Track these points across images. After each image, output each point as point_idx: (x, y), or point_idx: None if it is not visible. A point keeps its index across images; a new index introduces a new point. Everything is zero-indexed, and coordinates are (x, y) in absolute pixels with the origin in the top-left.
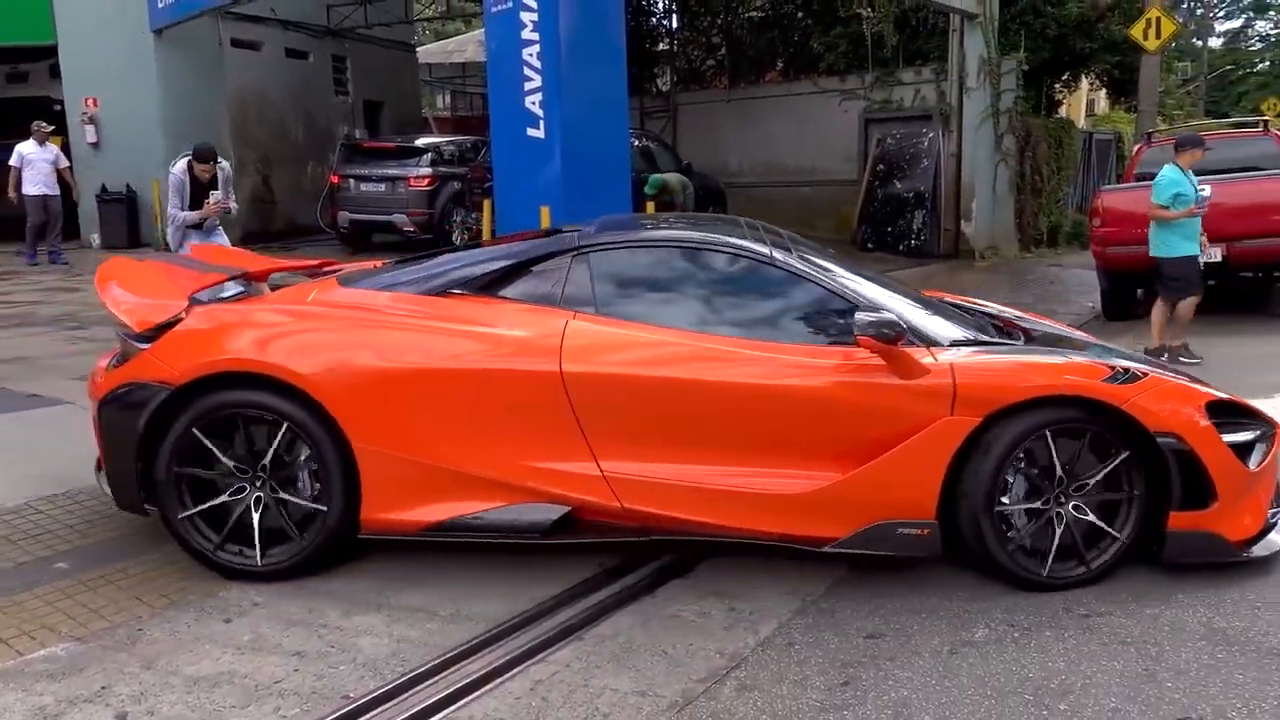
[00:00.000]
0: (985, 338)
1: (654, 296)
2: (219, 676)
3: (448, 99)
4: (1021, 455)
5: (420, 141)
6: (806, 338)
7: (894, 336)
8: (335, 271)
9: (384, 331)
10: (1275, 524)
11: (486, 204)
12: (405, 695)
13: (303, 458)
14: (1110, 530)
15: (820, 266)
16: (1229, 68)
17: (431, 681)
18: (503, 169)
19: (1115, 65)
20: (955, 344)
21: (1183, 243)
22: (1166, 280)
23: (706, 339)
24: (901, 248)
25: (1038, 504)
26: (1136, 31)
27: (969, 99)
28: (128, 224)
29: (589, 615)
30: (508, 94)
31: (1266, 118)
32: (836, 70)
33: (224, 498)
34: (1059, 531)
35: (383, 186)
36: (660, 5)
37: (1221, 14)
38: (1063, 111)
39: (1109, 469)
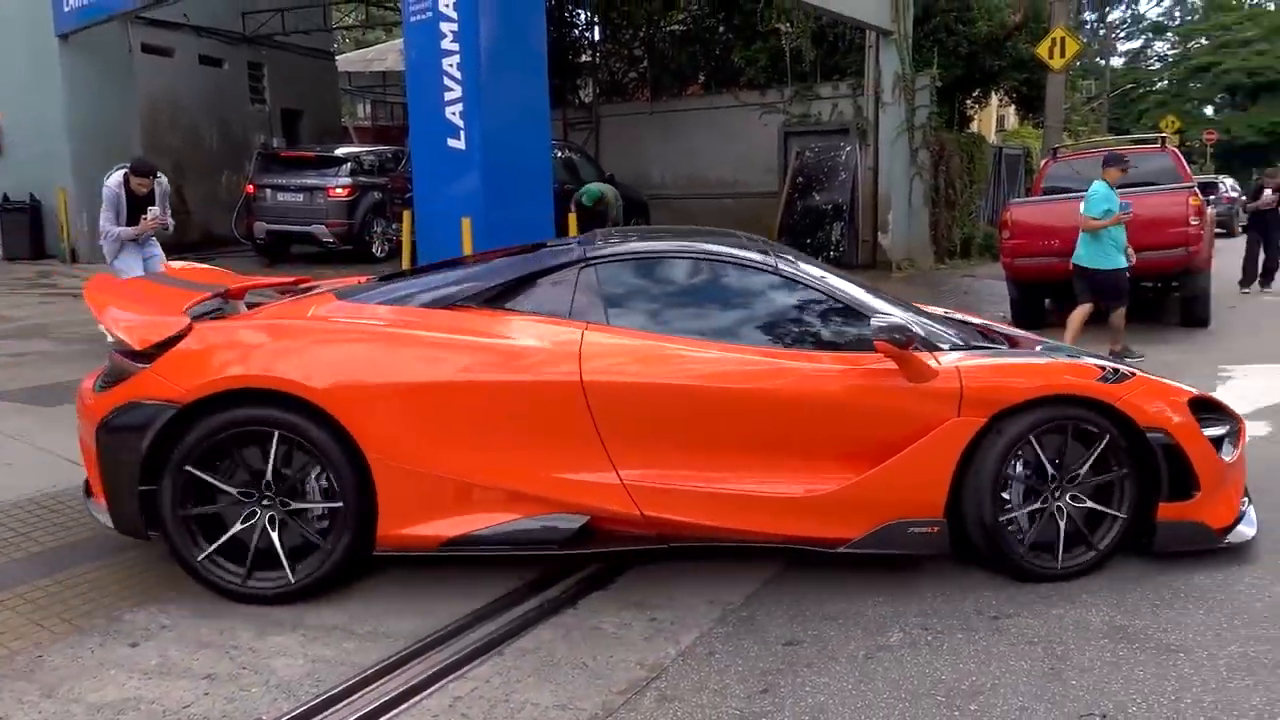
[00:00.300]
0: (979, 343)
1: (662, 307)
2: (124, 703)
3: (368, 108)
4: (1020, 453)
5: (340, 151)
6: (815, 345)
7: (906, 341)
8: (313, 288)
9: (398, 344)
10: (1245, 514)
11: (406, 215)
12: (320, 716)
13: (314, 475)
14: (1110, 510)
15: (819, 277)
16: (1130, 86)
17: (347, 701)
18: (423, 180)
19: (1023, 82)
20: (955, 348)
21: (1113, 254)
22: (1097, 290)
23: (718, 348)
24: (820, 259)
25: (1039, 500)
26: (1042, 50)
27: (885, 114)
28: (30, 234)
29: (510, 629)
30: (428, 104)
31: (1164, 134)
32: (757, 84)
33: (239, 525)
34: (1063, 523)
35: (301, 196)
36: (583, 17)
37: (1123, 35)
38: (974, 127)
39: (1097, 454)
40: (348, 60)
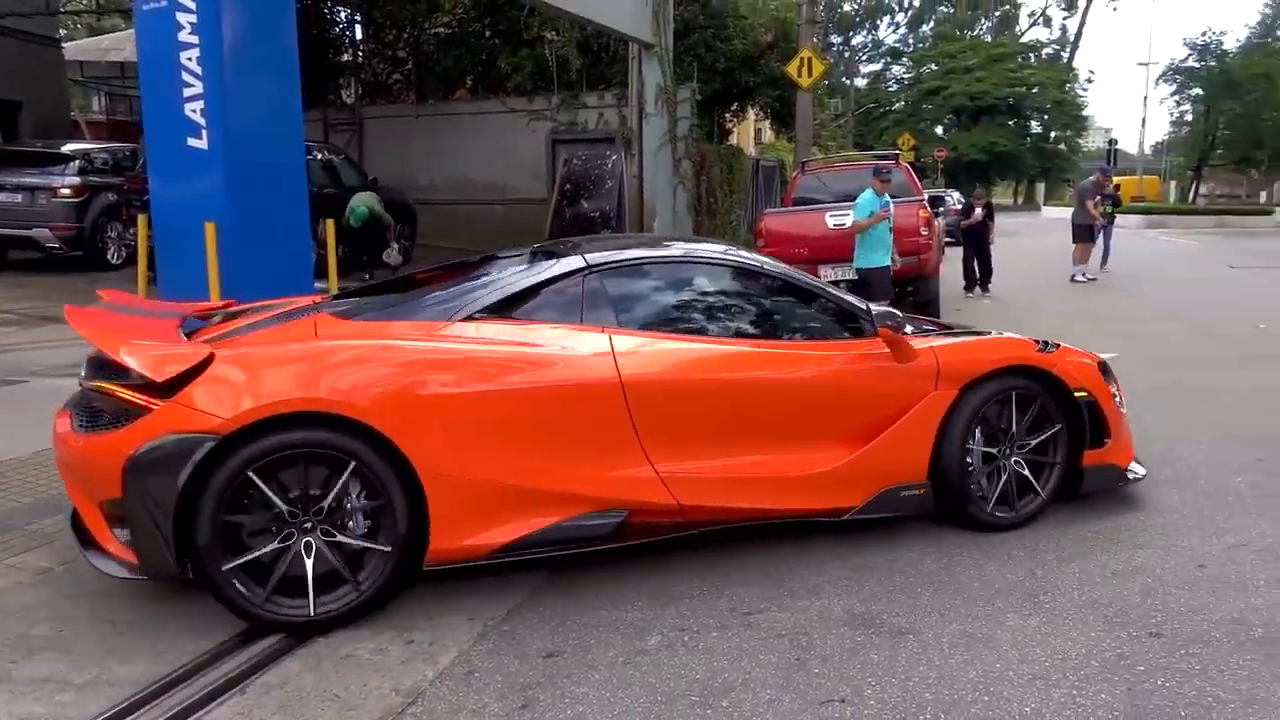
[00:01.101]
0: (935, 327)
1: (667, 309)
2: None
3: (104, 101)
4: (984, 417)
5: (67, 148)
6: (811, 335)
7: (899, 326)
8: (267, 308)
9: (439, 358)
10: (1135, 455)
11: (142, 219)
12: None
13: (356, 495)
14: (1050, 460)
15: (800, 275)
16: (873, 105)
17: None
18: (160, 181)
19: (776, 99)
20: (918, 333)
21: (880, 254)
22: (867, 287)
23: (730, 343)
24: None
25: (995, 458)
26: (792, 69)
27: (648, 124)
28: None
29: (254, 664)
30: (164, 100)
31: (898, 151)
32: (524, 91)
33: (273, 544)
34: (1008, 476)
35: (19, 196)
36: (343, 15)
37: (865, 58)
38: (734, 139)
39: (1038, 413)
40: (80, 48)
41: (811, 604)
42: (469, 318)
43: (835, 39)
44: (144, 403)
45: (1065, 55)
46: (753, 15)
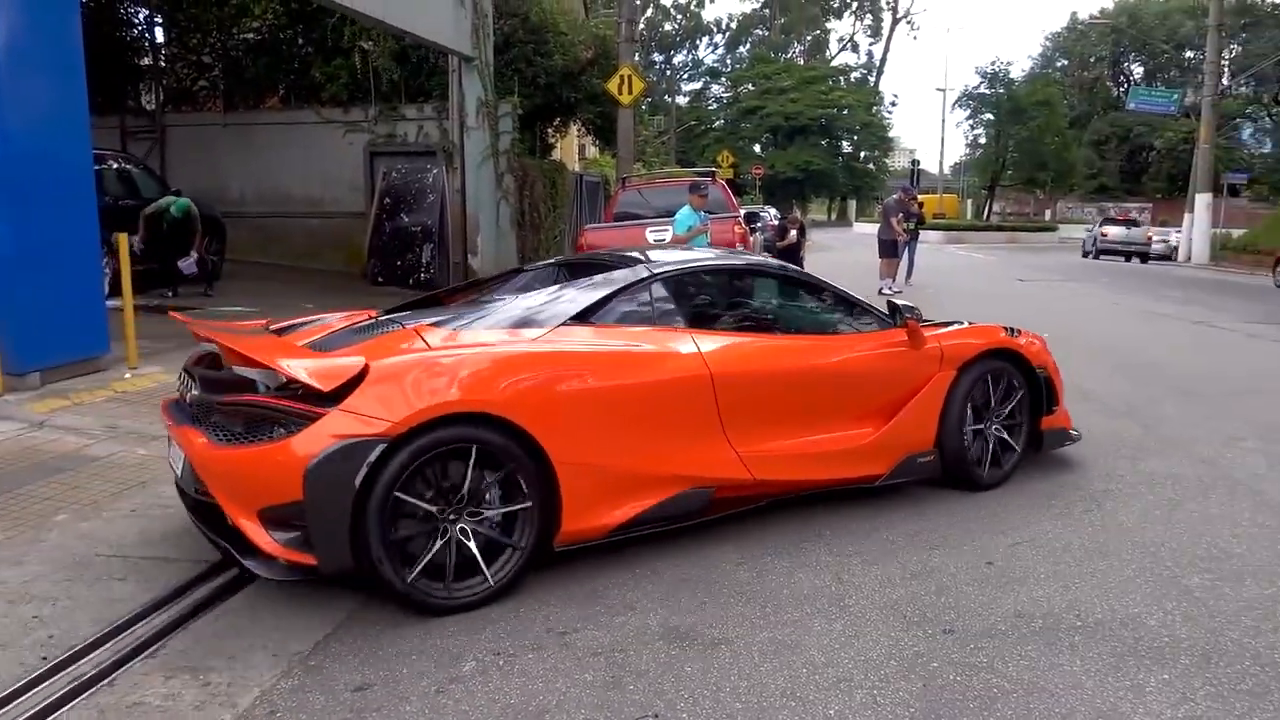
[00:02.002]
0: (921, 318)
1: (722, 309)
2: None
3: None
4: (972, 394)
5: None
6: (848, 328)
7: (919, 317)
8: (313, 322)
9: (559, 360)
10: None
11: None
12: None
13: (495, 485)
14: (1018, 421)
15: (818, 277)
16: (694, 123)
17: None
18: None
19: (598, 115)
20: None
21: None
22: None
23: (786, 337)
24: (411, 281)
25: (980, 424)
26: (612, 86)
27: (470, 138)
28: None
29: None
30: None
31: (714, 169)
32: (340, 101)
33: (436, 538)
34: (992, 442)
35: None
36: (143, 16)
37: (686, 77)
38: (557, 154)
39: (1007, 387)
40: None
41: (628, 620)
42: (562, 325)
43: (657, 57)
44: (308, 411)
45: (872, 79)
46: (573, 32)
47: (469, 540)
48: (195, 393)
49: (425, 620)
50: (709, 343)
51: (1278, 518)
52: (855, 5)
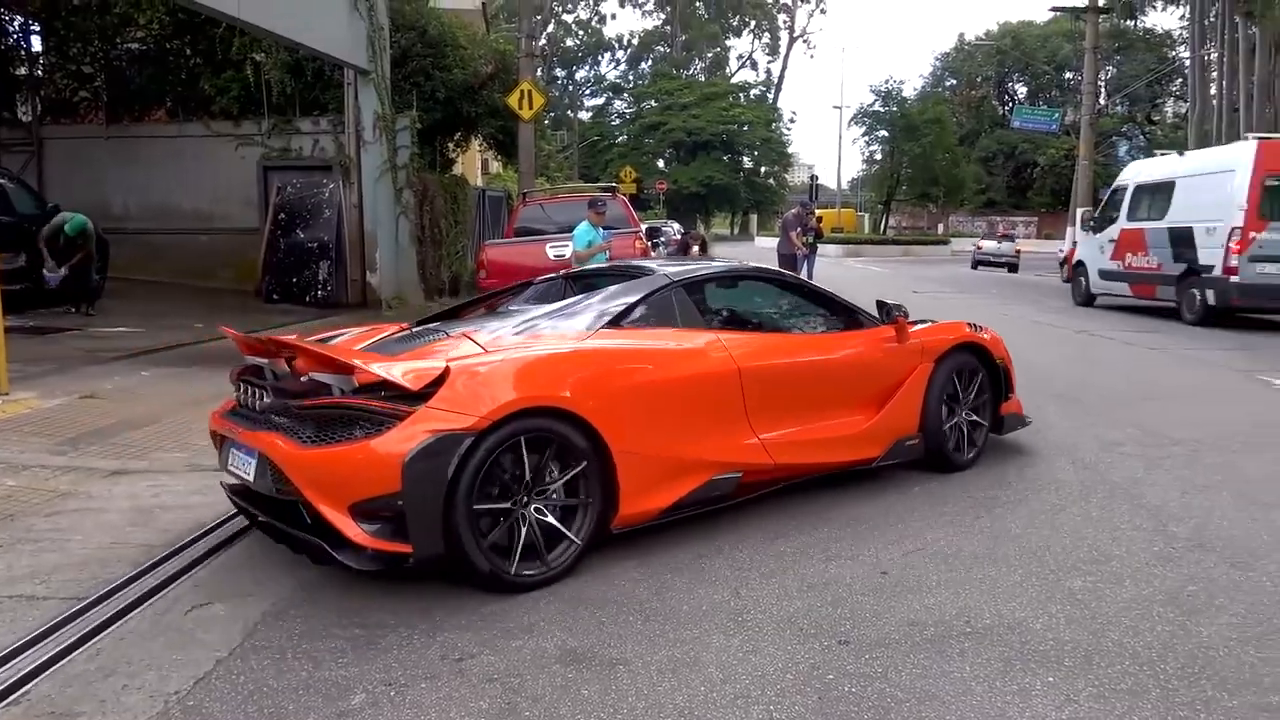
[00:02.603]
0: (907, 315)
1: (736, 312)
2: None
3: None
4: (946, 385)
5: None
6: (837, 326)
7: (905, 314)
8: (338, 334)
9: (613, 357)
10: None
11: None
12: None
13: (559, 472)
14: (984, 403)
15: (813, 283)
16: (597, 138)
17: None
18: None
19: (499, 129)
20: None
21: None
22: None
23: (792, 335)
24: (308, 298)
25: (953, 414)
26: (513, 101)
27: (367, 152)
28: None
29: None
30: None
31: (614, 185)
32: (231, 114)
33: (512, 518)
34: (966, 426)
35: None
36: (18, 24)
37: (589, 92)
38: (458, 169)
39: (972, 376)
40: None
41: (525, 643)
42: (603, 328)
43: (560, 73)
44: (398, 410)
45: (771, 96)
46: (473, 46)
47: (546, 516)
48: (268, 400)
49: (313, 651)
50: (732, 340)
51: (1153, 520)
52: (754, 24)
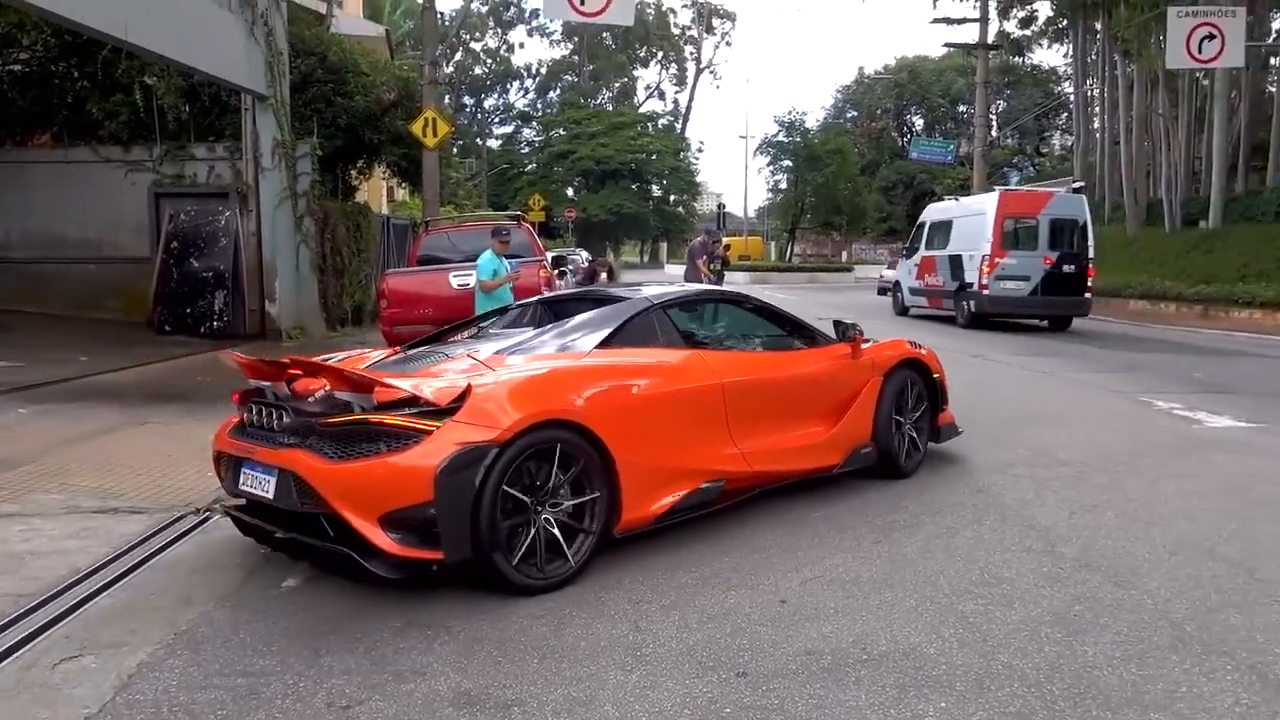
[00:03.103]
0: (863, 334)
1: (709, 332)
2: None
3: None
4: (896, 397)
5: None
6: (801, 344)
7: (860, 333)
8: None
9: (614, 374)
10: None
11: None
12: None
13: (568, 480)
14: (925, 416)
15: (773, 304)
16: (506, 166)
17: None
18: None
19: (403, 157)
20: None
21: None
22: None
23: (763, 353)
24: (203, 330)
25: (901, 424)
26: (417, 129)
27: (265, 179)
28: None
29: None
30: None
31: (519, 213)
32: (120, 139)
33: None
34: (910, 435)
35: None
36: None
37: (498, 120)
38: (362, 196)
39: (912, 390)
40: None
41: (417, 687)
42: (597, 347)
43: (468, 100)
44: (424, 426)
45: (679, 126)
46: (376, 73)
47: (553, 528)
48: (288, 419)
49: (191, 704)
50: (711, 357)
51: (1043, 541)
52: (661, 55)
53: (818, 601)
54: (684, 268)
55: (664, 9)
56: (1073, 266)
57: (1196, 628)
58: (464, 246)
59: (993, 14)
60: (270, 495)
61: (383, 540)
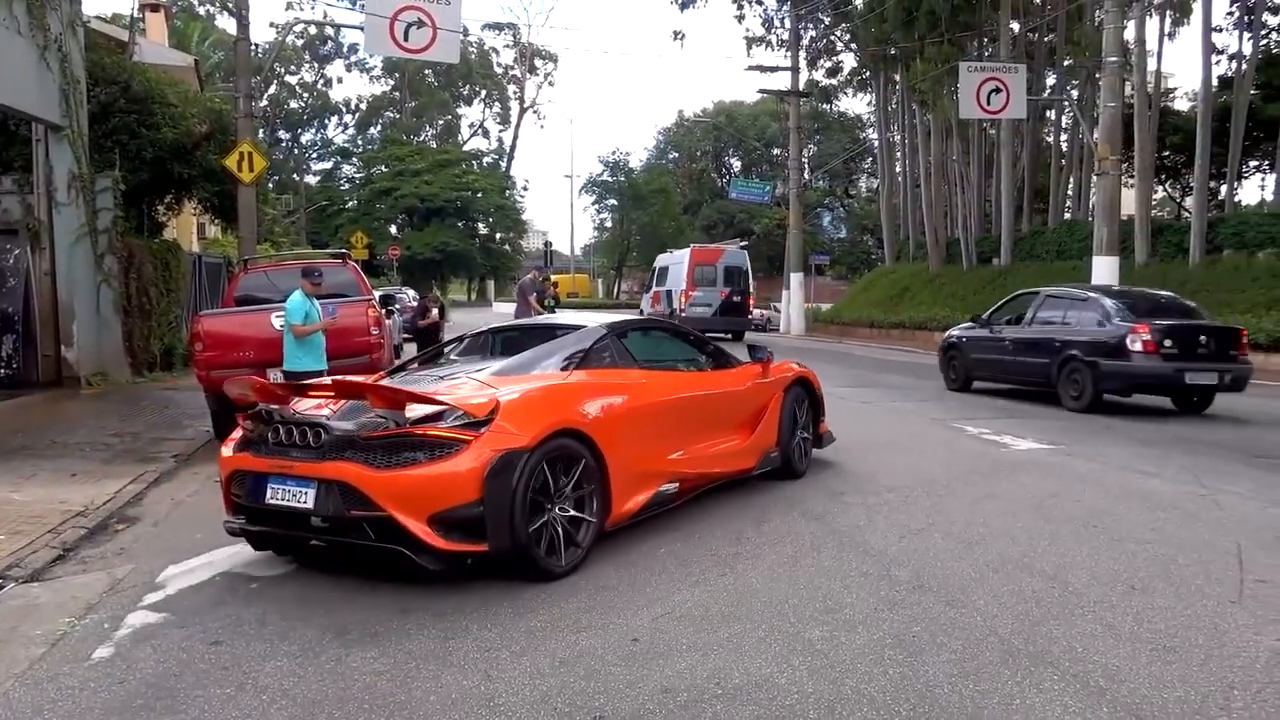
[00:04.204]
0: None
1: (654, 355)
2: None
3: None
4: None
5: None
6: (725, 364)
7: (771, 356)
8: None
9: (603, 390)
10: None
11: None
12: None
13: (571, 483)
14: (811, 425)
15: (701, 333)
16: (326, 203)
17: None
18: None
19: (216, 193)
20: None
21: (311, 357)
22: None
23: (697, 374)
24: None
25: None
26: (231, 163)
27: (60, 214)
28: None
29: None
30: None
31: (345, 251)
32: None
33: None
34: (800, 443)
35: None
36: None
37: (316, 155)
38: (171, 233)
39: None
40: None
41: None
42: (575, 368)
43: (284, 135)
44: (464, 436)
45: (504, 164)
46: (185, 104)
47: (569, 513)
48: (326, 435)
49: None
50: (661, 376)
51: (878, 565)
52: (484, 94)
53: (669, 638)
54: (514, 305)
55: (486, 48)
56: (739, 298)
57: (1023, 641)
58: (284, 286)
59: (803, 64)
60: (309, 505)
61: (432, 537)
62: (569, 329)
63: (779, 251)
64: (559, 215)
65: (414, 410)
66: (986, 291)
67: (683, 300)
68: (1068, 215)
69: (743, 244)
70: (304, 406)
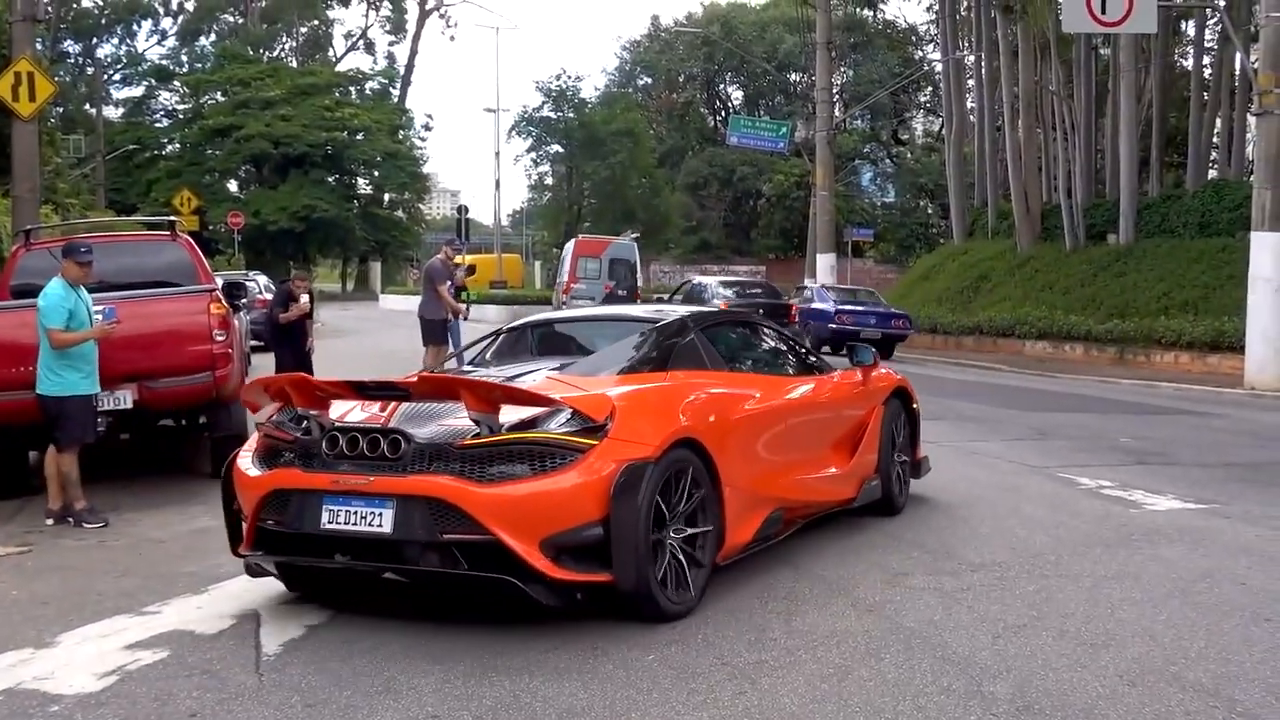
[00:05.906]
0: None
1: (742, 352)
2: None
3: None
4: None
5: None
6: (813, 370)
7: (876, 359)
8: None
9: (705, 395)
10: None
11: None
12: None
13: (686, 499)
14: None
15: (787, 334)
16: (134, 148)
17: None
18: None
19: None
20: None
21: (80, 378)
22: (60, 424)
23: (790, 378)
24: None
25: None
26: (4, 90)
27: None
28: None
29: None
30: None
31: (174, 218)
32: None
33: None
34: (900, 459)
35: None
36: None
37: (118, 78)
38: None
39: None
40: None
41: None
42: (669, 370)
43: (72, 47)
44: (582, 442)
45: (396, 92)
46: None
47: (683, 543)
48: (406, 445)
49: None
50: (755, 380)
51: (965, 678)
52: None
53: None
54: (419, 298)
55: None
56: (625, 291)
57: None
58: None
59: None
60: (385, 528)
61: (545, 564)
62: (639, 321)
63: (798, 223)
64: (479, 169)
65: (511, 413)
66: (1099, 281)
67: (563, 292)
68: (1213, 172)
69: (635, 235)
70: (337, 412)
